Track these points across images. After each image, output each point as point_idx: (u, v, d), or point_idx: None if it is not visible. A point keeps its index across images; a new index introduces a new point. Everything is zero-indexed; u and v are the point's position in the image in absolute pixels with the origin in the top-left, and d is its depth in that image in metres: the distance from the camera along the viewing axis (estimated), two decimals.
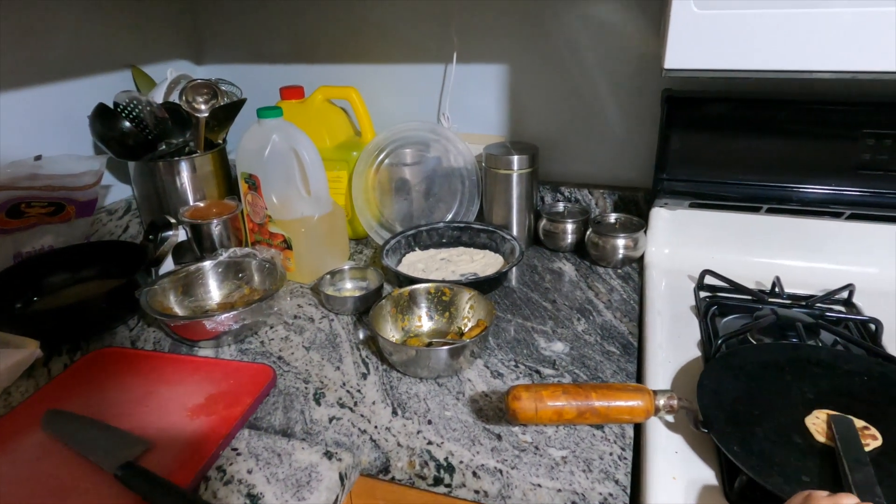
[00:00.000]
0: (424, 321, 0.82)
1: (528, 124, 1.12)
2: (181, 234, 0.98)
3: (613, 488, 0.55)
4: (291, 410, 0.67)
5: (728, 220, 0.93)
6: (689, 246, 0.96)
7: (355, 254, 1.09)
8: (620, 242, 0.95)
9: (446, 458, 0.60)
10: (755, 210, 0.91)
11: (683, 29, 0.63)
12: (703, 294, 0.85)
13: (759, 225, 0.91)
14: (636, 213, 1.05)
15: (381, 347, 0.74)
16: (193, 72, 1.28)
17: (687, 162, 0.92)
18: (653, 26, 0.97)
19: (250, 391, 0.68)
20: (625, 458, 0.59)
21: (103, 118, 1.02)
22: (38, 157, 0.95)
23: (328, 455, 0.60)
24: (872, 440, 0.52)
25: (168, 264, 0.97)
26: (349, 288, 0.94)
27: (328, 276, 0.92)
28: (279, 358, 0.77)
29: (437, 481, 0.58)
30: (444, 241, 1.04)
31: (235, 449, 0.61)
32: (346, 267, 0.95)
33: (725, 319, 0.80)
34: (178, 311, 0.86)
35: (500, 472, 0.58)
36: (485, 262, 0.98)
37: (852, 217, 0.87)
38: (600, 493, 0.55)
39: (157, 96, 1.09)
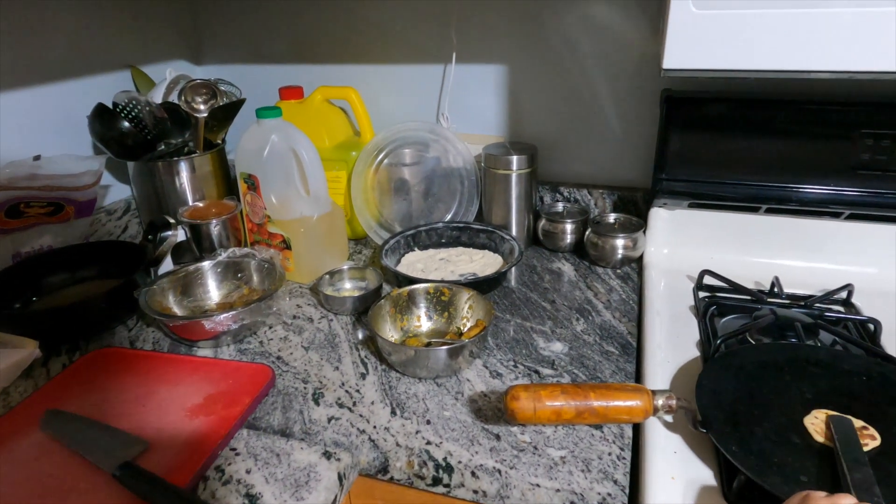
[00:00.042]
0: (423, 321, 0.82)
1: (527, 124, 1.12)
2: (180, 235, 0.98)
3: (612, 488, 0.55)
4: (290, 410, 0.67)
5: (727, 220, 0.93)
6: (688, 246, 0.96)
7: (354, 254, 1.09)
8: (619, 242, 0.95)
9: (445, 458, 0.60)
10: (754, 210, 0.91)
11: (682, 29, 0.63)
12: (702, 294, 0.85)
13: (758, 225, 0.91)
14: (635, 214, 1.05)
15: (379, 347, 0.74)
16: (193, 72, 1.28)
17: (686, 162, 0.92)
18: (652, 26, 0.97)
19: (249, 391, 0.68)
20: (623, 458, 0.59)
21: (102, 118, 1.02)
22: (37, 157, 0.95)
23: (327, 455, 0.60)
24: (871, 440, 0.52)
25: (167, 264, 0.97)
26: (348, 288, 0.94)
27: (327, 276, 0.92)
28: (278, 358, 0.77)
29: (436, 481, 0.58)
30: (443, 241, 1.04)
31: (234, 449, 0.61)
32: (345, 267, 0.95)
33: (724, 319, 0.80)
34: (177, 311, 0.86)
35: (499, 472, 0.58)
36: (484, 263, 0.98)
37: (851, 217, 0.87)
38: (599, 493, 0.55)
39: (157, 96, 1.09)
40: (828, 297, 0.81)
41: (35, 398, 0.69)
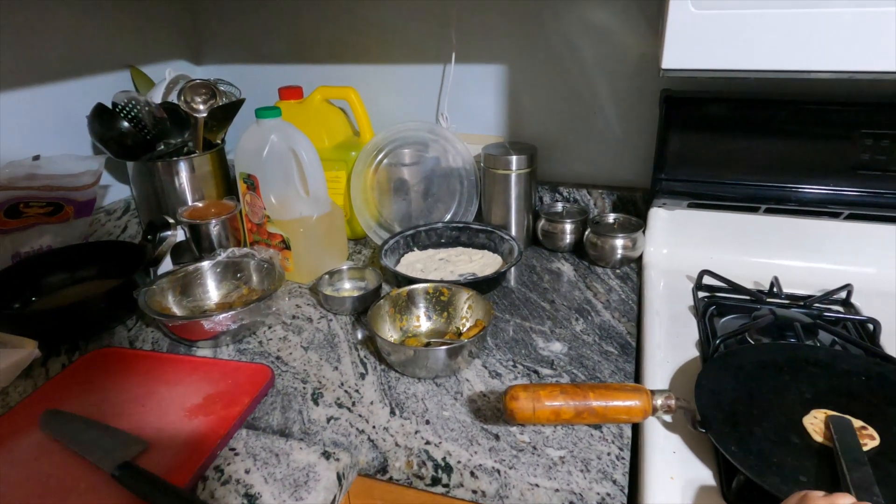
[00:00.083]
0: (423, 321, 0.82)
1: (526, 124, 1.12)
2: (180, 235, 0.98)
3: (611, 488, 0.55)
4: (289, 410, 0.67)
5: (726, 220, 0.93)
6: (688, 246, 0.96)
7: (354, 254, 1.09)
8: (619, 242, 0.95)
9: (444, 458, 0.60)
10: (753, 210, 0.91)
11: (681, 29, 0.63)
12: (701, 294, 0.85)
13: (758, 225, 0.91)
14: (635, 214, 1.05)
15: (379, 347, 0.74)
16: (192, 72, 1.28)
17: (685, 162, 0.92)
18: (651, 26, 0.97)
19: (248, 391, 0.68)
20: (623, 458, 0.59)
21: (102, 118, 1.02)
22: (37, 157, 0.95)
23: (326, 455, 0.60)
24: (870, 440, 0.52)
25: (166, 264, 0.97)
26: (347, 288, 0.94)
27: (326, 277, 0.92)
28: (277, 358, 0.77)
29: (435, 481, 0.58)
30: (442, 241, 1.04)
31: (233, 449, 0.61)
32: (345, 267, 0.95)
33: (724, 319, 0.80)
34: (177, 311, 0.86)
35: (498, 472, 0.58)
36: (483, 263, 0.98)
37: (850, 217, 0.87)
38: (598, 493, 0.55)
39: (156, 96, 1.09)
40: (827, 297, 0.81)
41: (34, 398, 0.69)
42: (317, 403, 0.68)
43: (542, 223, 1.04)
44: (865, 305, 0.80)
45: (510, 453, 0.60)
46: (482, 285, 0.87)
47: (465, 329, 0.80)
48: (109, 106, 1.03)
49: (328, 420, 0.65)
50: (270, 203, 0.95)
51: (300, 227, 0.94)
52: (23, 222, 0.92)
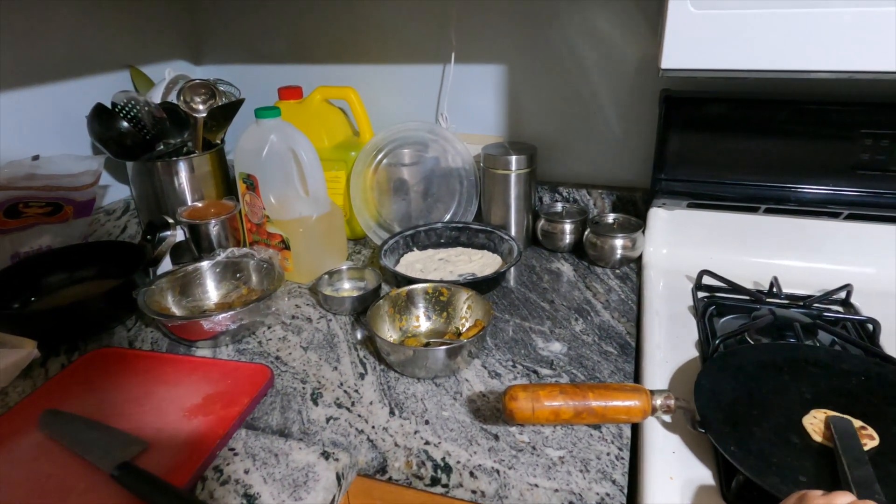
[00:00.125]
0: (422, 321, 0.82)
1: (526, 124, 1.12)
2: (179, 235, 0.98)
3: (610, 488, 0.55)
4: (289, 410, 0.67)
5: (726, 220, 0.93)
6: (687, 246, 0.96)
7: (353, 254, 1.09)
8: (618, 243, 0.95)
9: (443, 459, 0.59)
10: (753, 210, 0.91)
11: (680, 29, 0.62)
12: (701, 294, 0.85)
13: (757, 225, 0.91)
14: (634, 214, 1.05)
15: (378, 347, 0.74)
16: (192, 72, 1.28)
17: (685, 162, 0.92)
18: (651, 26, 0.97)
19: (248, 391, 0.68)
20: (622, 458, 0.59)
21: (101, 118, 1.02)
22: (36, 157, 0.95)
23: (325, 455, 0.60)
24: (870, 440, 0.52)
25: (166, 264, 0.97)
26: (347, 288, 0.94)
27: (326, 277, 0.92)
28: (277, 358, 0.77)
29: (435, 481, 0.58)
30: (442, 241, 1.04)
31: (232, 449, 0.61)
32: (344, 267, 0.95)
33: (723, 319, 0.80)
34: (176, 311, 0.85)
35: (498, 472, 0.58)
36: (483, 263, 0.97)
37: (850, 217, 0.87)
38: (597, 493, 0.55)
39: (156, 96, 1.09)
40: (826, 297, 0.81)
41: (33, 398, 0.69)
42: (316, 403, 0.68)
43: (541, 223, 1.04)
44: (865, 305, 0.80)
45: (509, 453, 0.60)
46: (482, 285, 0.87)
47: (464, 329, 0.79)
48: (109, 106, 1.03)
49: (327, 420, 0.65)
50: (270, 203, 0.95)
51: (300, 228, 0.94)
52: (22, 222, 0.92)
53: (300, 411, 0.67)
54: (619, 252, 0.95)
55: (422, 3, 1.08)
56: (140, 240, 0.97)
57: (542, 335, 0.80)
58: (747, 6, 0.60)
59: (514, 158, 0.98)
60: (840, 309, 0.81)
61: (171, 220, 0.97)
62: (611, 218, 1.02)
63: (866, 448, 0.51)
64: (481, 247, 1.02)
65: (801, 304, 0.79)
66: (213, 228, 0.99)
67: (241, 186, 0.98)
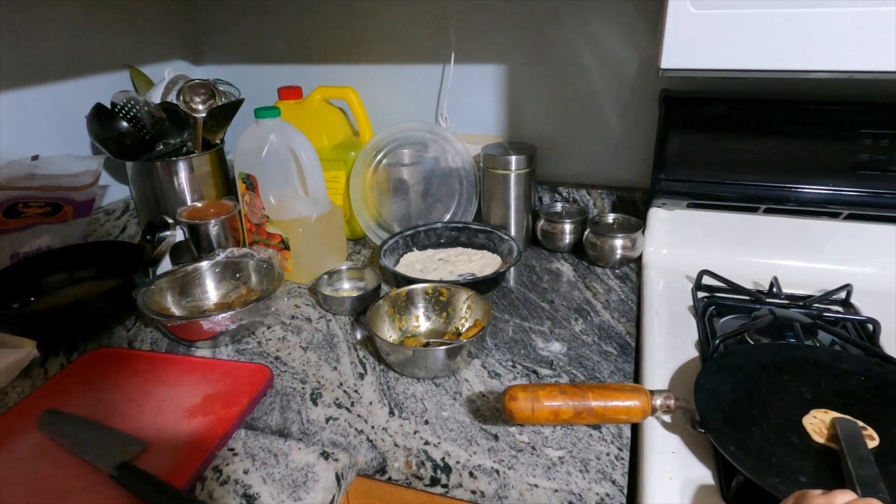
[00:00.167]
0: (422, 321, 0.82)
1: (525, 124, 1.12)
2: (179, 235, 0.98)
3: (610, 488, 0.55)
4: (288, 411, 0.67)
5: (726, 220, 0.93)
6: (687, 246, 0.96)
7: (353, 254, 1.09)
8: (618, 243, 0.95)
9: (443, 459, 0.59)
10: (753, 210, 0.91)
11: (680, 29, 0.62)
12: (700, 294, 0.85)
13: (757, 225, 0.91)
14: (634, 214, 1.05)
15: (378, 348, 0.74)
16: (191, 72, 1.28)
17: (685, 162, 0.92)
18: (650, 26, 0.97)
19: (247, 391, 0.68)
20: (622, 459, 0.59)
21: (101, 118, 1.02)
22: (36, 157, 0.95)
23: (325, 455, 0.59)
24: (870, 440, 0.52)
25: (165, 264, 0.97)
26: (347, 288, 0.94)
27: (326, 277, 0.92)
28: (276, 358, 0.77)
29: (434, 481, 0.58)
30: (442, 241, 1.04)
31: (232, 449, 0.61)
32: (344, 267, 0.95)
33: (723, 320, 0.80)
34: (176, 311, 0.85)
35: (497, 472, 0.58)
36: (483, 263, 0.97)
37: (850, 217, 0.87)
38: (597, 494, 0.55)
39: (155, 96, 1.09)
40: (826, 297, 0.81)
41: (33, 398, 0.69)
42: (316, 404, 0.68)
43: (541, 223, 1.04)
44: (865, 306, 0.80)
45: (509, 453, 0.60)
46: (481, 285, 0.87)
47: (464, 329, 0.79)
48: (108, 106, 1.03)
49: (327, 420, 0.65)
50: (269, 203, 0.95)
51: (299, 228, 0.94)
52: (22, 222, 0.92)
53: (300, 411, 0.67)
54: (618, 252, 0.95)
55: (422, 4, 1.08)
56: (140, 240, 0.97)
57: (541, 335, 0.80)
58: (747, 6, 0.60)
59: (513, 158, 0.98)
60: (840, 309, 0.80)
61: (170, 220, 0.97)
62: (611, 218, 1.02)
63: None
64: (481, 247, 1.02)
65: (801, 304, 0.79)
66: (213, 228, 0.99)
67: (240, 186, 0.98)
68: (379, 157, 1.06)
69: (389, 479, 0.60)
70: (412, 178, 1.06)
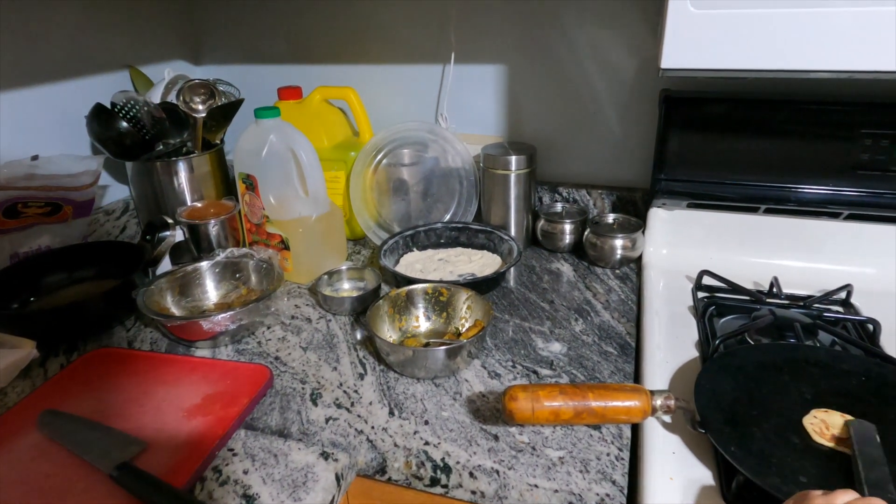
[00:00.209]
0: (422, 321, 0.82)
1: (526, 125, 1.12)
2: (178, 235, 0.98)
3: (610, 489, 0.55)
4: (288, 411, 0.67)
5: (726, 220, 0.93)
6: (687, 246, 0.96)
7: (353, 254, 1.09)
8: (618, 243, 0.95)
9: (443, 459, 0.59)
10: (753, 210, 0.91)
11: (680, 29, 0.62)
12: (701, 294, 0.85)
13: (757, 225, 0.91)
14: (634, 214, 1.05)
15: (378, 348, 0.74)
16: (191, 72, 1.27)
17: (685, 162, 0.92)
18: (650, 26, 0.97)
19: (247, 391, 0.68)
20: (622, 459, 0.59)
21: (100, 118, 1.02)
22: (35, 157, 0.95)
23: (325, 455, 0.59)
24: None
25: (165, 264, 0.96)
26: (347, 288, 0.94)
27: (326, 277, 0.92)
28: (276, 358, 0.77)
29: (434, 482, 0.58)
30: (441, 241, 1.04)
31: (232, 449, 0.61)
32: (344, 267, 0.95)
33: (723, 320, 0.80)
34: (175, 311, 0.85)
35: (497, 472, 0.58)
36: (483, 263, 0.97)
37: (850, 217, 0.87)
38: (597, 494, 0.55)
39: (155, 96, 1.09)
40: (827, 297, 0.81)
41: (32, 398, 0.69)
42: (315, 404, 0.68)
43: (541, 223, 1.04)
44: (865, 306, 0.80)
45: (509, 454, 0.60)
46: (481, 285, 0.87)
47: (464, 329, 0.79)
48: (108, 106, 1.03)
49: (327, 420, 0.65)
50: (269, 203, 0.95)
51: (299, 228, 0.94)
52: (21, 222, 0.92)
53: (299, 412, 0.67)
54: (619, 252, 0.95)
55: (422, 4, 1.08)
56: (139, 240, 0.97)
57: (541, 335, 0.80)
58: (747, 6, 0.60)
59: (513, 158, 0.98)
60: (840, 309, 0.80)
61: (170, 221, 0.97)
62: (611, 218, 1.02)
63: None
64: (481, 247, 1.02)
65: (801, 304, 0.79)
66: (213, 228, 0.99)
67: (240, 186, 0.97)
68: (379, 157, 1.06)
69: (389, 479, 0.60)
70: (412, 178, 1.06)
